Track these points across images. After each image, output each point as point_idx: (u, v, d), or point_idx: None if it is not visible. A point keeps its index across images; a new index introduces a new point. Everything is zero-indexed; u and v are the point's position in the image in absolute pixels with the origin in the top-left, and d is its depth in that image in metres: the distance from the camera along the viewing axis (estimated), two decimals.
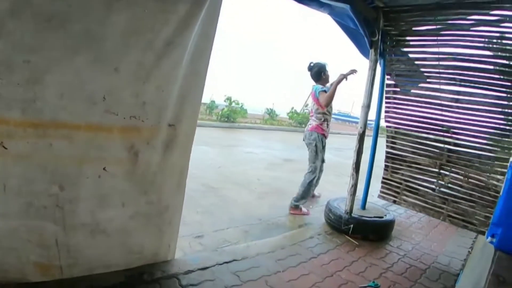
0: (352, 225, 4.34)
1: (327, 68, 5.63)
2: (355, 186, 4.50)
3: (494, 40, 3.82)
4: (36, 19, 1.93)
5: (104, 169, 2.35)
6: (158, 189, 2.67)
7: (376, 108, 4.78)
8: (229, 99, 18.88)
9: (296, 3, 3.63)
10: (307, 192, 5.41)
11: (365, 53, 4.72)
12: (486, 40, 3.86)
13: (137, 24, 2.24)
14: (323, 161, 5.63)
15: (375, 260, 3.88)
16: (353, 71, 5.22)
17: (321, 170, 5.63)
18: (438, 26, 4.18)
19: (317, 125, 5.52)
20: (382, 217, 4.63)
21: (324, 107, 5.42)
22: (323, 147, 5.53)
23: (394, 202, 4.94)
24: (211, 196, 5.52)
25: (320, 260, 3.69)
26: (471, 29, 3.97)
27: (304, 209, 5.43)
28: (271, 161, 9.61)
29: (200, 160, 7.68)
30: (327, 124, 5.61)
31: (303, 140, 5.78)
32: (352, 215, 4.48)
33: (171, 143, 2.62)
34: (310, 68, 5.65)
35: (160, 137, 2.54)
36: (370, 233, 4.45)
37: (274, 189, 6.57)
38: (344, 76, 5.21)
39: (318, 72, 5.57)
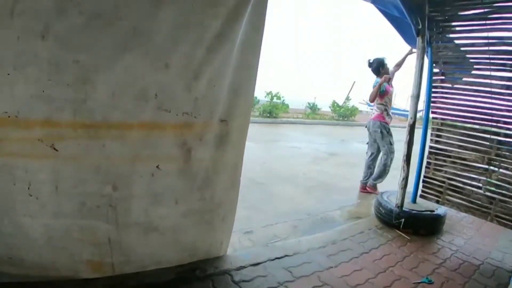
0: (403, 219, 4.24)
1: (386, 62, 6.14)
2: (406, 179, 4.38)
3: None
4: (83, 17, 1.93)
5: (157, 167, 2.36)
6: (211, 186, 2.66)
7: (425, 98, 4.65)
8: (270, 94, 18.90)
9: None
10: (383, 172, 6.06)
11: (411, 42, 4.66)
12: None
13: (186, 19, 2.21)
14: (391, 143, 6.04)
15: (428, 255, 3.77)
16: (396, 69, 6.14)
17: (391, 152, 6.00)
18: (486, 10, 3.99)
19: (378, 114, 6.09)
20: (433, 211, 4.50)
21: (371, 101, 6.12)
22: (387, 132, 6.03)
23: (437, 202, 4.68)
24: (257, 191, 5.54)
25: (372, 255, 3.61)
26: None
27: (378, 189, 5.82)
28: (315, 155, 9.56)
29: (244, 156, 7.69)
30: (388, 113, 6.10)
31: (367, 129, 6.29)
32: (403, 209, 4.38)
33: (224, 138, 2.60)
34: (370, 65, 6.20)
35: (212, 133, 2.53)
36: (421, 227, 4.33)
37: (320, 183, 6.52)
38: (385, 79, 5.80)
39: (377, 67, 6.09)
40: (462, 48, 4.35)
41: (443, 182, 4.58)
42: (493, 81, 4.07)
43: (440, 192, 4.61)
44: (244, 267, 2.97)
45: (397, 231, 4.26)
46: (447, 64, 4.51)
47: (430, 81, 4.57)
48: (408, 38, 4.62)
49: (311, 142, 12.10)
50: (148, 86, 2.21)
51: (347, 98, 25.13)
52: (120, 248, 2.46)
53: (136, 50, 2.11)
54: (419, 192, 4.84)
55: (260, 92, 18.38)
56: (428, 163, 4.72)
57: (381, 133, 6.02)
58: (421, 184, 4.80)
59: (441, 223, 4.55)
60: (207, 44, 2.32)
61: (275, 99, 19.12)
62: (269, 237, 3.92)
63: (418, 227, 4.32)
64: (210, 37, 2.32)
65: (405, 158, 4.38)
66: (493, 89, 4.07)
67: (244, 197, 4.79)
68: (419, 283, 3.18)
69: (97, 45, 2.01)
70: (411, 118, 4.30)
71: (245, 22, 2.46)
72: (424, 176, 4.77)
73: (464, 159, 4.38)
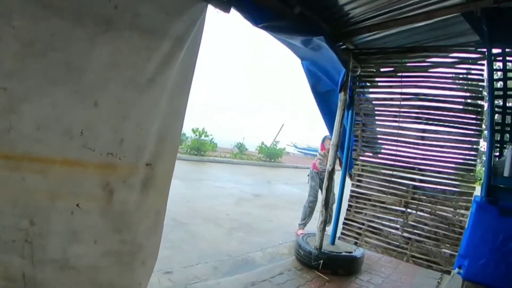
0: (322, 261, 4.36)
1: None
2: (324, 222, 4.58)
3: (457, 81, 4.09)
4: (18, 43, 1.88)
5: (77, 205, 2.30)
6: (133, 229, 2.61)
7: (345, 145, 4.93)
8: (197, 130, 18.87)
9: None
10: (303, 214, 6.36)
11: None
12: (449, 80, 4.12)
13: (120, 59, 2.22)
14: (310, 187, 6.53)
15: None
16: None
17: (308, 195, 6.44)
18: (402, 68, 4.47)
19: (314, 162, 6.87)
20: (351, 252, 4.70)
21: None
22: (312, 177, 6.62)
23: (355, 244, 4.90)
24: (180, 231, 5.47)
25: None
26: (432, 70, 4.28)
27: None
28: (240, 196, 9.60)
29: (169, 194, 7.59)
30: (320, 162, 6.62)
31: None
32: (322, 250, 4.52)
33: (148, 183, 2.57)
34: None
35: (137, 176, 2.50)
36: (340, 268, 4.49)
37: (243, 225, 6.54)
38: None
39: None
40: (380, 102, 4.77)
41: (363, 224, 4.82)
42: (409, 132, 4.52)
43: (359, 234, 4.83)
44: None
45: (316, 272, 4.37)
46: (368, 116, 4.90)
47: (351, 130, 4.93)
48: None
49: (237, 182, 12.16)
50: (74, 123, 2.16)
51: (275, 141, 25.59)
52: (34, 284, 2.34)
53: (66, 85, 2.08)
54: (338, 234, 5.02)
55: (187, 129, 18.32)
56: (349, 205, 4.97)
57: (308, 176, 6.70)
58: (341, 226, 4.99)
59: (359, 263, 4.73)
60: (138, 86, 2.34)
61: (203, 137, 19.09)
62: (189, 278, 3.88)
63: (337, 268, 4.47)
64: (141, 80, 2.34)
65: (323, 203, 4.57)
66: (409, 140, 4.51)
67: (166, 236, 4.74)
68: None
69: (28, 74, 1.95)
70: (330, 165, 4.51)
71: (176, 69, 2.51)
72: (345, 218, 4.99)
73: (383, 202, 4.68)
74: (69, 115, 2.13)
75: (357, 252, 4.77)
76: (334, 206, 5.51)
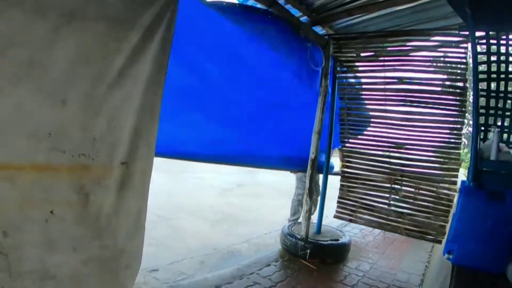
0: (308, 250, 4.31)
1: None
2: (309, 211, 4.55)
3: (439, 64, 4.10)
4: None
5: (51, 212, 2.15)
6: (113, 233, 2.47)
7: (328, 133, 4.89)
8: None
9: None
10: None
11: None
12: (432, 63, 4.17)
13: (87, 52, 2.07)
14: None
15: (335, 283, 3.88)
16: None
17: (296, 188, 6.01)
18: (383, 52, 4.45)
19: None
20: (337, 240, 4.67)
21: None
22: None
23: (350, 220, 5.02)
24: (163, 226, 5.37)
25: None
26: (414, 54, 4.27)
27: None
28: (222, 187, 9.54)
29: (150, 189, 7.49)
30: None
31: None
32: (308, 239, 4.47)
33: (125, 183, 2.43)
34: None
35: (112, 177, 2.35)
36: (327, 256, 4.46)
37: (227, 216, 6.48)
38: None
39: None
40: (364, 86, 4.84)
41: (356, 201, 4.90)
42: (394, 115, 4.59)
43: (353, 211, 4.92)
44: None
45: (304, 261, 4.31)
46: (352, 100, 4.94)
47: (332, 115, 4.93)
48: None
49: (218, 172, 12.02)
50: (41, 124, 2.00)
51: None
52: None
53: (30, 83, 1.91)
54: (325, 222, 5.05)
55: None
56: (342, 185, 5.05)
57: None
58: (326, 213, 5.01)
59: (346, 250, 4.70)
60: (108, 80, 2.19)
61: None
62: (175, 274, 3.80)
63: (324, 256, 4.44)
64: (111, 74, 2.19)
65: (307, 191, 4.51)
66: (394, 121, 4.57)
67: (150, 233, 4.59)
68: None
69: None
70: (312, 153, 4.45)
71: (148, 61, 2.38)
72: (338, 197, 5.07)
73: (373, 181, 4.76)
74: (34, 116, 1.97)
75: (344, 239, 4.75)
76: (319, 198, 5.44)
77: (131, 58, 2.26)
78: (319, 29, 4.76)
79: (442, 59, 4.21)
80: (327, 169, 4.99)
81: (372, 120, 4.86)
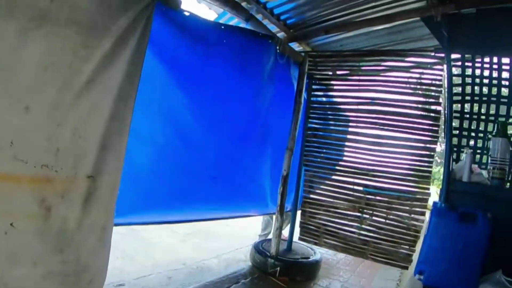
0: (278, 268, 4.25)
1: None
2: (280, 228, 4.49)
3: (414, 86, 4.12)
4: None
5: (11, 225, 2.04)
6: (76, 248, 2.36)
7: (300, 150, 4.91)
8: None
9: None
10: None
11: None
12: (406, 85, 4.21)
13: (54, 58, 1.99)
14: None
15: None
16: None
17: None
18: (359, 72, 4.51)
19: None
20: (308, 258, 4.62)
21: None
22: None
23: (315, 244, 4.98)
24: (131, 239, 5.22)
25: None
26: (389, 74, 4.31)
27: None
28: None
29: None
30: None
31: None
32: (278, 257, 4.41)
33: (91, 197, 2.32)
34: None
35: (77, 190, 2.25)
36: (297, 274, 4.41)
37: (198, 230, 6.33)
38: None
39: None
40: (335, 106, 4.82)
41: (319, 227, 4.85)
42: (364, 138, 4.54)
43: (317, 236, 4.87)
44: None
45: (274, 279, 4.24)
46: (322, 120, 4.90)
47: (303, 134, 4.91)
48: None
49: None
50: (3, 131, 1.90)
51: None
52: None
53: None
54: (297, 236, 5.03)
55: None
56: (303, 211, 4.98)
57: None
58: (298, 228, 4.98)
59: (317, 268, 4.65)
60: (75, 89, 2.10)
61: None
62: None
63: (294, 274, 4.39)
64: (79, 82, 2.11)
65: (278, 208, 4.46)
66: (363, 145, 4.54)
67: (117, 246, 4.46)
68: None
69: None
70: (284, 170, 4.41)
71: (119, 70, 2.31)
72: (300, 222, 5.01)
73: (337, 208, 4.69)
74: None
75: (315, 257, 4.70)
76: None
77: (101, 67, 2.18)
78: (295, 46, 4.76)
79: (417, 80, 4.21)
80: (298, 187, 4.95)
81: (339, 143, 4.83)
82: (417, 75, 4.20)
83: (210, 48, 3.39)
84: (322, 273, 4.72)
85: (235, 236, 6.19)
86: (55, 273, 2.32)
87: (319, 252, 4.90)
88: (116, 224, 2.77)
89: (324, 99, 5.07)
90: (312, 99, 4.97)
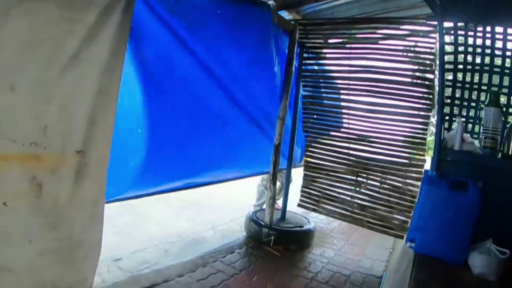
0: (273, 237, 4.30)
1: None
2: (273, 198, 4.54)
3: (407, 54, 4.09)
4: None
5: (4, 204, 2.04)
6: (69, 224, 2.37)
7: (291, 118, 4.90)
8: None
9: None
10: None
11: None
12: (399, 53, 4.19)
13: (38, 34, 1.95)
14: None
15: (299, 270, 3.89)
16: None
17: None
18: (351, 40, 4.47)
19: None
20: (302, 226, 4.68)
21: None
22: None
23: (314, 210, 5.05)
24: (127, 214, 5.23)
25: (243, 276, 3.63)
26: (381, 42, 4.27)
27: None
28: None
29: None
30: None
31: None
32: (272, 226, 4.48)
33: (81, 172, 2.32)
34: None
35: (67, 166, 2.24)
36: (291, 243, 4.47)
37: (191, 202, 6.36)
38: None
39: None
40: (329, 74, 4.82)
41: (319, 192, 4.92)
42: (358, 105, 4.55)
43: (317, 201, 4.94)
44: None
45: (268, 248, 4.31)
46: (316, 88, 4.91)
47: (296, 102, 4.90)
48: None
49: None
50: None
51: None
52: None
53: None
54: (290, 207, 5.08)
55: None
56: (305, 175, 5.06)
57: None
58: (291, 199, 5.05)
59: (311, 237, 4.71)
60: (60, 64, 2.06)
61: None
62: (139, 263, 3.70)
63: (289, 243, 4.45)
64: (64, 57, 2.07)
65: (271, 178, 4.48)
66: (358, 112, 4.55)
67: (113, 221, 4.53)
68: None
69: None
70: (276, 139, 4.40)
71: (105, 44, 2.26)
72: (302, 187, 5.09)
73: (337, 172, 4.76)
74: None
75: (309, 226, 4.77)
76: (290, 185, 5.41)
77: (85, 41, 2.14)
78: (285, 14, 4.70)
79: (410, 48, 4.16)
80: (291, 155, 4.98)
81: (336, 110, 4.86)
82: (410, 43, 4.16)
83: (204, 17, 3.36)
84: (316, 241, 4.80)
85: (228, 207, 6.23)
86: (51, 250, 2.34)
87: (313, 221, 4.97)
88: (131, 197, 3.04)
89: (316, 67, 5.06)
90: (303, 67, 4.95)
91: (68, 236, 2.40)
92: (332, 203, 4.86)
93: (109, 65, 2.33)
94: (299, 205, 5.15)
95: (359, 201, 4.63)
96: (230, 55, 3.78)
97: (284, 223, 4.73)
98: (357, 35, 4.49)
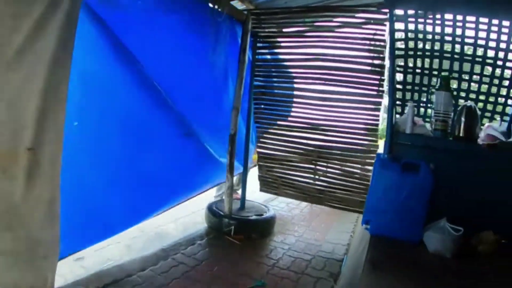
0: (233, 226, 4.32)
1: None
2: (231, 187, 4.54)
3: (357, 41, 4.18)
4: None
5: None
6: (25, 223, 2.28)
7: (247, 108, 4.94)
8: None
9: None
10: None
11: None
12: (352, 41, 4.27)
13: None
14: None
15: (260, 258, 3.94)
16: None
17: None
18: (306, 28, 4.50)
19: None
20: (262, 215, 4.72)
21: None
22: None
23: (276, 194, 5.25)
24: None
25: (205, 266, 3.65)
26: (336, 30, 4.30)
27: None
28: None
29: None
30: None
31: None
32: (232, 216, 4.49)
33: (33, 170, 2.23)
34: None
35: (18, 164, 2.15)
36: (252, 232, 4.51)
37: None
38: None
39: None
40: (282, 63, 4.85)
41: (276, 179, 5.04)
42: (311, 94, 4.64)
43: (276, 187, 5.09)
44: None
45: (229, 238, 4.32)
46: (268, 77, 4.95)
47: (250, 92, 4.94)
48: None
49: None
50: None
51: None
52: None
53: None
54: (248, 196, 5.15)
55: None
56: (260, 165, 5.17)
57: None
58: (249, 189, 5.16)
59: (272, 225, 4.77)
60: (5, 60, 2.00)
61: None
62: (102, 261, 3.68)
63: (249, 232, 4.48)
64: (9, 53, 2.01)
65: (228, 168, 4.48)
66: (311, 101, 4.63)
67: None
68: (252, 287, 3.25)
69: None
70: (231, 129, 4.40)
71: (52, 37, 2.19)
72: (258, 175, 5.22)
73: (291, 161, 4.85)
74: None
75: (268, 214, 4.82)
76: None
77: (31, 36, 2.06)
78: (238, 4, 4.67)
79: (361, 36, 4.26)
80: (248, 143, 4.99)
81: (288, 99, 4.92)
82: (362, 31, 4.25)
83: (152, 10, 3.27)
84: (277, 229, 4.87)
85: (191, 200, 6.18)
86: (7, 251, 2.26)
87: (272, 209, 5.04)
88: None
89: (269, 56, 5.07)
90: (257, 57, 4.96)
91: (25, 236, 2.32)
92: (291, 188, 5.00)
93: (58, 59, 2.25)
94: (261, 190, 5.30)
95: (317, 187, 4.78)
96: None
97: (244, 212, 4.76)
98: (311, 24, 4.54)
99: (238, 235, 4.36)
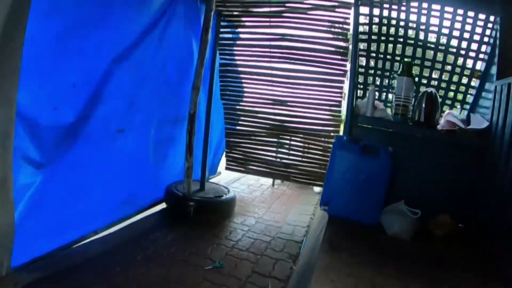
0: (192, 208, 4.23)
1: None
2: (190, 168, 4.42)
3: (323, 23, 4.32)
4: None
5: None
6: None
7: (208, 87, 4.85)
8: None
9: None
10: None
11: None
12: (316, 22, 4.41)
13: None
14: None
15: (219, 239, 3.91)
16: None
17: None
18: (271, 9, 4.53)
19: None
20: (221, 196, 4.65)
21: None
22: None
23: (242, 171, 5.48)
24: None
25: (163, 248, 3.58)
26: (299, 12, 4.33)
27: None
28: None
29: None
30: None
31: None
32: (192, 197, 4.40)
33: None
34: None
35: None
36: (211, 213, 4.45)
37: None
38: None
39: None
40: (247, 42, 4.92)
41: (244, 155, 5.23)
42: (276, 72, 4.75)
43: (243, 163, 5.26)
44: (32, 282, 2.62)
45: (189, 220, 4.23)
46: (234, 56, 5.01)
47: (213, 71, 4.89)
48: None
49: None
50: None
51: None
52: None
53: None
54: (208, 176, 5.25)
55: None
56: (227, 141, 5.33)
57: None
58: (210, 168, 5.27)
59: (231, 206, 4.74)
60: None
61: None
62: None
63: (209, 213, 4.42)
64: None
65: (187, 148, 4.38)
66: (275, 78, 4.78)
67: None
68: (210, 268, 3.22)
69: None
70: (191, 108, 4.28)
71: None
72: (226, 151, 5.41)
73: (258, 136, 5.08)
74: None
75: (228, 195, 4.75)
76: None
77: None
78: None
79: (326, 18, 4.39)
80: (208, 125, 4.90)
81: (253, 77, 5.03)
82: (327, 13, 4.37)
83: None
84: (237, 210, 4.85)
85: None
86: None
87: (233, 191, 4.97)
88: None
89: (231, 35, 5.08)
90: (220, 35, 4.98)
91: None
92: (258, 163, 5.21)
93: (3, 53, 2.14)
94: (226, 168, 5.47)
95: (283, 161, 5.07)
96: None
97: (203, 194, 4.66)
98: (275, 4, 4.51)
99: (197, 216, 4.26)
